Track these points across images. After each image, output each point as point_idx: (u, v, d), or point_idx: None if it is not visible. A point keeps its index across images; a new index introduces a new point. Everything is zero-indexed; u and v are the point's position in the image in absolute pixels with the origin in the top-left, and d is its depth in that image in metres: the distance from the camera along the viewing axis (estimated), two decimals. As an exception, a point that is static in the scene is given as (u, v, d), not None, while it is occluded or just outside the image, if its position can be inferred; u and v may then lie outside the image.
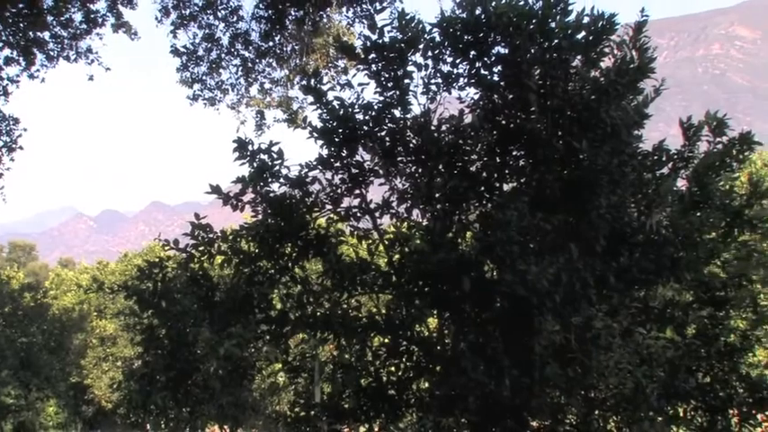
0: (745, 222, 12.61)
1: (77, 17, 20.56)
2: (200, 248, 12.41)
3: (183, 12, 20.29)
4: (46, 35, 20.57)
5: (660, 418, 12.11)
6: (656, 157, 12.44)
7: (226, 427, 21.88)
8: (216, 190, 12.18)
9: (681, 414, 12.76)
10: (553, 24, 11.59)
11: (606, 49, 12.05)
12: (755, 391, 12.72)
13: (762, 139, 13.21)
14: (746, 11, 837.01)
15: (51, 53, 20.82)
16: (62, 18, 20.37)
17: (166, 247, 12.72)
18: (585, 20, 11.69)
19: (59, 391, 67.89)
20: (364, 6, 17.95)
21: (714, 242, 12.26)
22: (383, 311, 12.30)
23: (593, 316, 10.80)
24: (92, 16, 20.54)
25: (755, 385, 12.76)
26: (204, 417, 20.89)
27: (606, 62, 12.10)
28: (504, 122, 11.97)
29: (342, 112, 12.22)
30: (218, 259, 12.55)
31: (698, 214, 12.21)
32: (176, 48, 21.00)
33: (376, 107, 12.23)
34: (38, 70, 20.81)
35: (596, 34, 11.78)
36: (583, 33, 11.74)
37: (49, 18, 20.15)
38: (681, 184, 12.66)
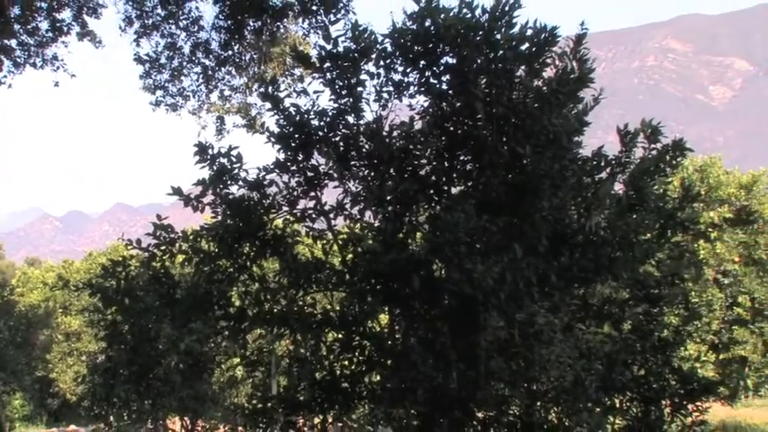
0: (678, 224, 12.71)
1: (44, 26, 20.44)
2: (162, 248, 12.32)
3: (146, 21, 20.20)
4: (13, 43, 20.38)
5: (598, 409, 12.18)
6: (594, 163, 12.50)
7: (186, 418, 21.69)
8: (177, 192, 12.10)
9: (617, 405, 12.85)
10: (498, 36, 11.62)
11: (548, 60, 12.09)
12: (687, 383, 12.83)
13: (693, 146, 13.32)
14: (679, 26, 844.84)
15: (18, 60, 20.64)
16: (29, 26, 20.21)
17: (129, 247, 12.62)
18: (529, 32, 11.72)
19: (25, 384, 67.33)
20: (319, 18, 17.93)
21: (649, 243, 12.34)
22: (337, 308, 12.29)
23: (535, 312, 10.82)
24: (57, 25, 20.41)
25: (687, 377, 12.88)
26: (165, 409, 20.76)
27: (548, 72, 12.14)
28: (452, 129, 11.99)
29: (298, 118, 12.20)
30: (180, 258, 12.48)
31: (634, 216, 12.29)
32: (139, 56, 20.92)
33: (330, 113, 12.22)
34: (5, 76, 20.61)
35: (539, 46, 11.82)
36: (526, 45, 11.78)
37: (17, 26, 19.98)
38: (618, 187, 12.74)
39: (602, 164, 12.60)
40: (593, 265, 11.64)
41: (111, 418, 20.87)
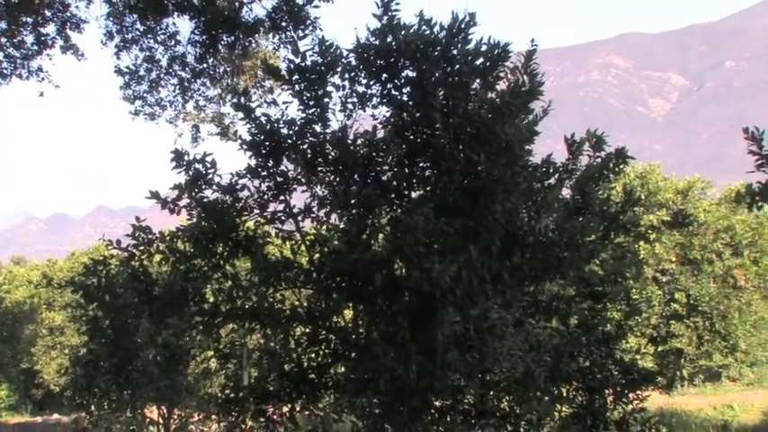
0: (620, 227, 12.77)
1: (29, 39, 20.28)
2: (141, 248, 12.26)
3: (126, 36, 20.10)
4: (0, 55, 20.22)
5: (546, 398, 12.19)
6: (544, 169, 12.53)
7: (163, 407, 21.57)
8: (155, 196, 12.08)
9: (564, 394, 12.86)
10: (455, 51, 11.65)
11: (501, 74, 12.14)
12: (628, 373, 12.89)
13: (634, 155, 13.37)
14: (621, 43, 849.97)
15: (5, 71, 20.47)
16: (15, 40, 20.04)
17: (110, 247, 12.56)
18: (483, 48, 11.76)
19: (11, 376, 66.74)
20: (288, 33, 17.89)
21: (593, 244, 12.38)
22: (304, 304, 12.25)
23: (489, 308, 10.83)
24: (42, 39, 20.25)
25: (628, 368, 12.94)
26: (143, 398, 20.62)
27: (501, 85, 12.17)
28: (412, 137, 11.99)
29: (268, 127, 12.19)
30: (157, 258, 12.40)
31: (580, 219, 12.33)
32: (120, 68, 20.81)
33: (299, 123, 12.21)
34: (-7, 87, 20.44)
35: (492, 60, 11.86)
36: (481, 60, 11.81)
37: (3, 40, 19.81)
38: (565, 192, 12.77)
39: (551, 170, 12.63)
40: (542, 264, 11.67)
41: (93, 407, 20.70)
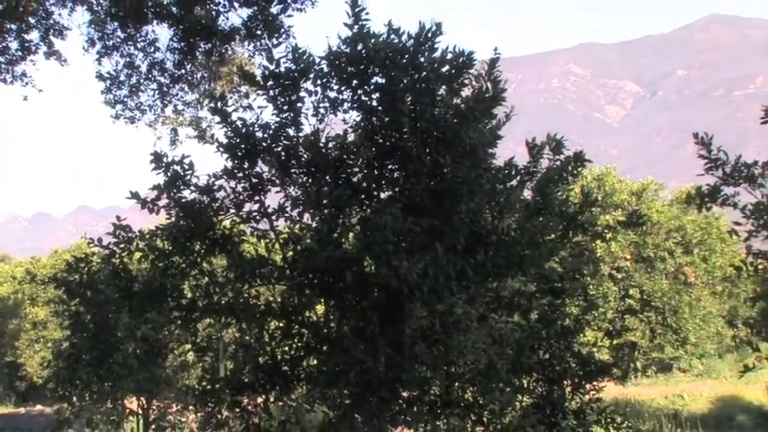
0: (578, 226, 12.81)
1: (13, 45, 20.13)
2: (121, 246, 12.17)
3: (107, 43, 20.01)
4: (-15, 61, 20.06)
5: (508, 389, 12.22)
6: (506, 172, 12.55)
7: (142, 398, 21.45)
8: (135, 196, 12.02)
9: (525, 385, 12.88)
10: (422, 59, 11.64)
11: (466, 81, 12.14)
12: (585, 365, 12.93)
13: (591, 158, 13.44)
14: (579, 52, 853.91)
15: (-10, 76, 20.31)
16: (0, 46, 19.89)
17: (92, 245, 12.46)
18: (449, 56, 11.75)
19: (-5, 369, 66.21)
20: (263, 41, 17.86)
21: (553, 242, 12.41)
22: (278, 300, 12.22)
23: (454, 304, 10.84)
24: (26, 45, 20.12)
25: (585, 360, 12.98)
26: (123, 390, 20.51)
27: (466, 91, 12.18)
28: (381, 141, 11.97)
29: (244, 131, 12.13)
30: (137, 255, 12.32)
31: (540, 219, 12.36)
32: (101, 73, 20.70)
33: (273, 126, 12.17)
34: (-22, 91, 20.33)
35: (458, 68, 11.86)
36: (447, 67, 11.80)
37: (-13, 46, 19.67)
38: (527, 194, 12.80)
39: (513, 173, 12.65)
40: (504, 261, 11.68)
41: (74, 398, 20.57)
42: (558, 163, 12.89)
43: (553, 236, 12.49)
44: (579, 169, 13.02)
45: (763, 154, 9.90)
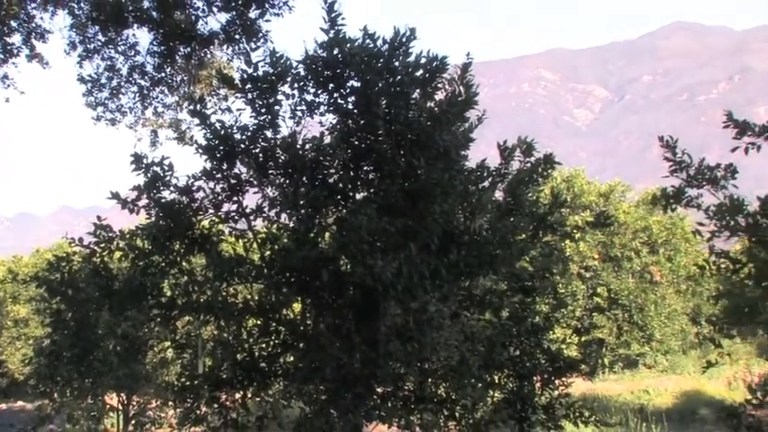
0: (548, 226, 12.84)
1: (-5, 48, 19.97)
2: (102, 245, 12.13)
3: (89, 46, 19.88)
4: (-33, 64, 19.88)
5: (480, 385, 12.22)
6: (478, 173, 12.57)
7: (122, 394, 21.34)
8: (115, 196, 11.97)
9: (496, 381, 12.90)
10: (397, 63, 11.65)
11: (439, 85, 12.18)
12: (554, 361, 12.96)
13: (561, 160, 13.48)
14: (549, 57, 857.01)
15: (-27, 79, 20.13)
16: (-18, 49, 19.74)
17: (73, 245, 12.45)
18: (423, 60, 11.77)
19: (-23, 366, 65.66)
20: (241, 45, 17.81)
21: (524, 242, 12.43)
22: (256, 298, 12.19)
23: (427, 302, 10.83)
24: (8, 48, 19.95)
25: (554, 357, 13.01)
26: (104, 386, 20.39)
27: (439, 95, 12.20)
28: (356, 143, 11.97)
29: (222, 133, 12.10)
30: (117, 254, 12.27)
31: (511, 219, 12.38)
32: (82, 76, 20.58)
33: (251, 129, 12.15)
34: (-40, 93, 20.13)
35: (431, 72, 11.88)
36: (421, 71, 11.83)
37: (-29, 50, 19.50)
38: (498, 195, 12.83)
39: (485, 174, 12.68)
40: (476, 261, 11.70)
41: (55, 394, 20.43)
42: (529, 165, 12.94)
43: (524, 236, 12.53)
44: (549, 171, 13.06)
45: (726, 157, 9.94)
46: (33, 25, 19.98)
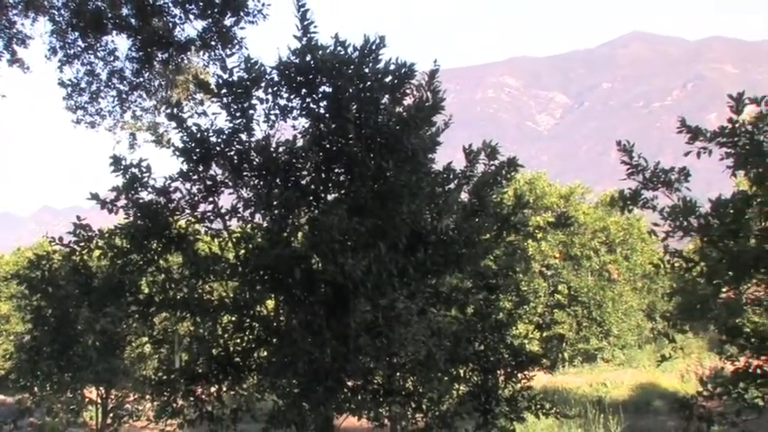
0: (512, 227, 12.87)
1: (-22, 53, 19.76)
2: (81, 244, 12.06)
3: (69, 51, 19.71)
4: (-50, 68, 19.68)
5: (446, 378, 12.27)
6: (445, 176, 12.60)
7: (101, 388, 21.20)
8: (95, 197, 11.88)
9: (461, 374, 12.94)
10: (367, 70, 11.66)
11: (407, 91, 12.19)
12: (517, 355, 13.01)
13: (524, 163, 13.51)
14: (513, 65, 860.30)
15: (-44, 83, 19.95)
16: (-36, 54, 19.53)
17: (53, 243, 12.40)
18: (392, 67, 11.78)
19: (-42, 361, 64.99)
20: (217, 51, 17.73)
21: (488, 242, 12.46)
22: (231, 295, 12.15)
23: (396, 299, 10.84)
24: (-10, 53, 19.76)
25: (517, 351, 13.06)
26: (83, 380, 20.26)
27: (408, 100, 12.22)
28: (328, 146, 11.97)
29: (198, 136, 12.07)
30: (96, 253, 12.20)
31: (476, 220, 12.40)
32: (63, 81, 20.41)
33: (226, 132, 12.11)
34: (-57, 96, 19.90)
35: (400, 78, 11.89)
36: (390, 77, 11.83)
37: (-47, 54, 19.30)
38: (464, 196, 12.86)
39: (451, 176, 12.71)
40: (443, 259, 11.71)
41: (36, 388, 20.28)
42: (493, 168, 12.98)
43: (488, 235, 12.56)
44: (512, 174, 13.11)
45: (680, 160, 10.03)
46: (15, 31, 19.79)
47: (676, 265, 10.19)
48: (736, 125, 9.27)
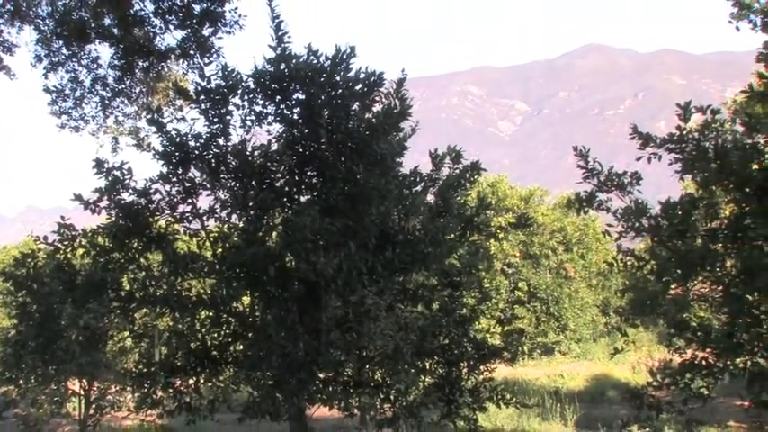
0: (475, 227, 12.92)
1: (-35, 60, 19.51)
2: (65, 243, 11.99)
3: (53, 59, 19.51)
4: (-63, 76, 19.42)
5: (413, 370, 12.27)
6: (412, 179, 12.63)
7: (84, 380, 21.05)
8: (79, 198, 11.87)
9: (427, 367, 12.95)
10: (338, 78, 11.64)
11: (377, 98, 12.20)
12: (480, 349, 13.04)
13: (486, 167, 13.57)
14: (476, 74, 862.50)
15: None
16: (-49, 61, 19.29)
17: (38, 242, 12.40)
18: (362, 75, 11.78)
19: (-53, 355, 64.15)
20: (196, 60, 17.62)
21: (453, 241, 12.50)
22: (208, 291, 12.11)
23: (365, 295, 10.86)
24: (-24, 60, 19.52)
25: (480, 345, 13.09)
26: (66, 373, 20.12)
27: (377, 107, 12.22)
28: (301, 150, 11.95)
29: (178, 140, 12.03)
30: (80, 251, 12.15)
31: (441, 221, 12.43)
32: (48, 87, 20.22)
33: (204, 136, 12.08)
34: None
35: (369, 86, 11.89)
36: (360, 85, 11.83)
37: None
38: (430, 198, 12.89)
39: (418, 179, 12.74)
40: (410, 258, 11.74)
41: (21, 381, 20.10)
42: (457, 171, 13.03)
43: (452, 235, 12.59)
44: (475, 177, 13.16)
45: (632, 165, 10.09)
46: (1, 39, 19.58)
47: (628, 263, 10.24)
48: (684, 132, 9.34)
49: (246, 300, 12.66)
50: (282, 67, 11.63)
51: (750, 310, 9.11)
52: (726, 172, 8.92)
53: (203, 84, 12.03)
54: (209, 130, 12.11)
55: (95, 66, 20.11)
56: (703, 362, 9.65)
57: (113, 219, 11.97)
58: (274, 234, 11.92)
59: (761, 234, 8.75)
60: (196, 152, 12.08)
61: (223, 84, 11.95)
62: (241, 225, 12.04)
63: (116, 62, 19.30)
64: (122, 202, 11.94)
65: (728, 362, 9.42)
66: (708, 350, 9.59)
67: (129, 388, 18.62)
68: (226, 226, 12.31)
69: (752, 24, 9.50)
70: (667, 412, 10.09)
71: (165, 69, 20.01)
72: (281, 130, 12.26)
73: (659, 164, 9.81)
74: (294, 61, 11.57)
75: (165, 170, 12.15)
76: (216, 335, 12.50)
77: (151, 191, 12.16)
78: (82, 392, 21.38)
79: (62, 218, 12.22)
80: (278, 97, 11.93)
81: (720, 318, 10.30)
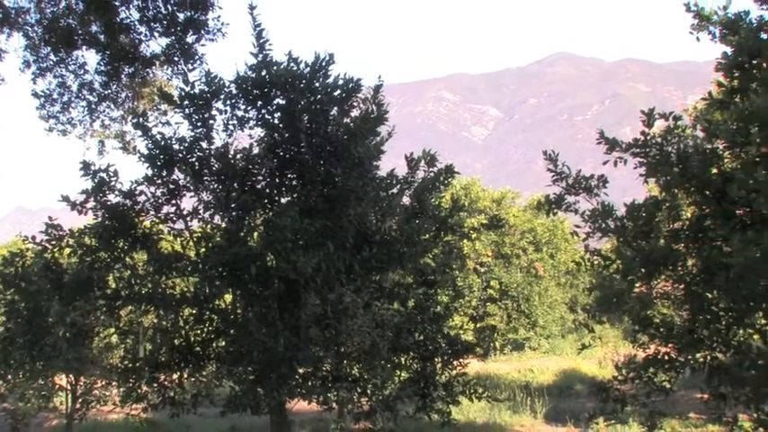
0: (449, 228, 12.94)
1: (-45, 66, 19.40)
2: (53, 242, 11.97)
3: (41, 65, 19.38)
4: (-73, 82, 19.22)
5: (389, 365, 12.31)
6: (388, 181, 12.66)
7: (71, 376, 20.89)
8: (66, 199, 11.84)
9: (403, 362, 12.98)
10: (317, 84, 11.66)
11: (354, 103, 12.23)
12: (453, 345, 13.07)
13: (460, 170, 13.62)
14: (450, 81, 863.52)
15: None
16: (-58, 67, 19.18)
17: (26, 242, 12.41)
18: (340, 82, 11.80)
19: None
20: (180, 66, 17.54)
21: (427, 241, 12.52)
22: (192, 290, 12.11)
23: (343, 293, 10.86)
24: (-33, 66, 19.41)
25: (453, 341, 13.12)
26: (54, 369, 19.94)
27: (355, 112, 12.24)
28: (281, 153, 11.97)
29: (162, 143, 12.01)
30: (67, 251, 12.11)
31: (417, 221, 12.46)
32: (36, 92, 20.08)
33: (188, 140, 12.08)
34: None
35: (348, 92, 11.91)
36: (338, 91, 11.85)
37: (-69, 67, 18.94)
38: (405, 200, 12.91)
39: (394, 182, 12.77)
40: (386, 257, 11.76)
41: (9, 376, 19.92)
42: (432, 174, 13.05)
43: (427, 236, 12.61)
44: (449, 180, 13.19)
45: (598, 169, 10.17)
46: (-10, 45, 19.43)
47: (595, 262, 10.29)
48: (648, 138, 9.41)
49: (228, 298, 12.62)
50: (264, 73, 11.64)
51: (710, 307, 9.18)
52: (687, 175, 9.00)
53: (187, 89, 12.05)
54: (192, 133, 12.11)
55: (82, 71, 19.98)
56: (666, 357, 9.72)
57: (100, 219, 11.96)
58: (256, 234, 11.90)
59: (720, 235, 8.82)
60: (180, 155, 12.06)
61: (206, 89, 11.95)
62: (223, 225, 12.02)
63: (103, 68, 19.18)
64: (108, 203, 11.93)
65: (689, 357, 9.50)
66: (670, 346, 9.65)
67: (114, 383, 18.46)
68: (209, 226, 12.31)
69: (711, 35, 9.56)
70: (632, 405, 10.16)
71: (150, 75, 19.93)
72: (262, 134, 12.27)
73: (625, 167, 9.88)
74: (275, 68, 11.58)
75: (150, 172, 12.12)
76: (199, 331, 12.46)
77: (136, 192, 12.15)
78: (69, 387, 21.19)
79: (50, 218, 12.20)
80: (259, 102, 11.94)
81: (682, 315, 10.37)
